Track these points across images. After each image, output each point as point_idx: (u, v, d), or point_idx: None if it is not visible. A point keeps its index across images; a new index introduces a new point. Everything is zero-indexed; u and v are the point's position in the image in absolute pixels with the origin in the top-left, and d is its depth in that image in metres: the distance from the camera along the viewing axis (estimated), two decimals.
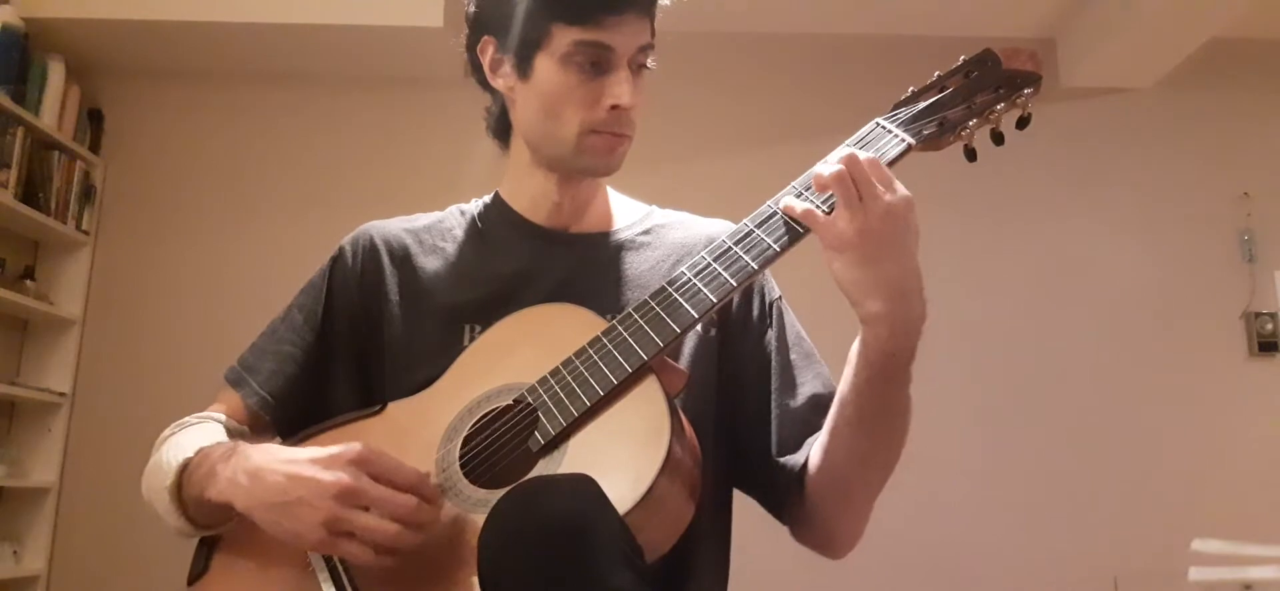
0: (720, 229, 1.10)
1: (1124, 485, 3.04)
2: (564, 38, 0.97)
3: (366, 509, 0.80)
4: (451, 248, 1.11)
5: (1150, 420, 3.11)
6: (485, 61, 1.06)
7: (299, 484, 0.82)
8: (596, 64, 0.98)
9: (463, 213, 1.15)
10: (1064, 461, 3.07)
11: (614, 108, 0.99)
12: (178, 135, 3.33)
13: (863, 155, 0.85)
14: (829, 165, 0.85)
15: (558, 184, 1.07)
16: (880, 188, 0.83)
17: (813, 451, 0.97)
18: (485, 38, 1.06)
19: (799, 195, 0.89)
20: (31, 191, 2.95)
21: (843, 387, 0.92)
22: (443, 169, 3.07)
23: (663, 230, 1.12)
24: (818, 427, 0.98)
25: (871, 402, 0.90)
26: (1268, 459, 3.06)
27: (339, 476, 0.81)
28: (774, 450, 1.01)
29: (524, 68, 1.02)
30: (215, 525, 0.94)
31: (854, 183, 0.83)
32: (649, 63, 1.03)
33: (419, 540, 0.81)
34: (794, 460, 0.99)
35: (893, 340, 0.85)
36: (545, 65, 1.00)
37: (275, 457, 0.87)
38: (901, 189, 0.84)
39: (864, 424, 0.91)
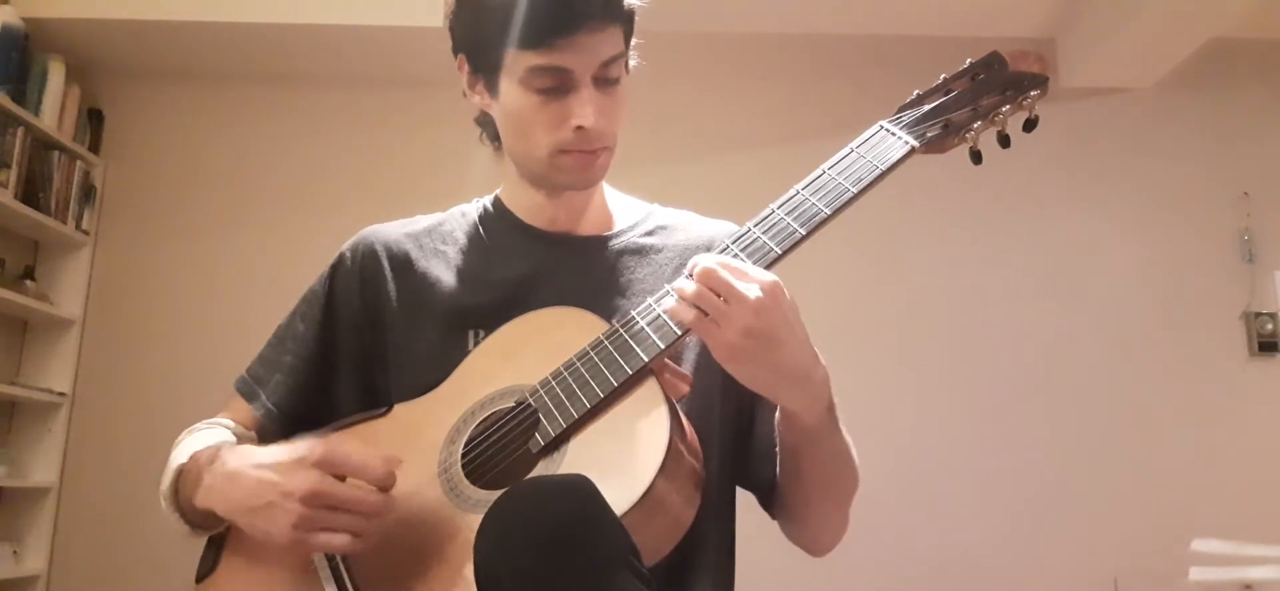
0: (723, 230, 1.10)
1: (1124, 485, 3.04)
2: (520, 63, 0.96)
3: (334, 507, 0.83)
4: (453, 251, 1.10)
5: (1150, 420, 3.11)
6: (463, 79, 1.06)
7: (268, 488, 0.84)
8: (557, 85, 0.96)
9: (464, 215, 1.15)
10: (1064, 461, 3.07)
11: (579, 129, 0.97)
12: (178, 135, 3.32)
13: (715, 261, 0.84)
14: (688, 282, 0.84)
15: (546, 196, 1.08)
16: (741, 286, 0.81)
17: (779, 469, 1.01)
18: (459, 56, 1.05)
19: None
20: (31, 191, 2.95)
21: (780, 446, 0.98)
22: (444, 169, 3.06)
23: (666, 232, 1.11)
24: None
25: (808, 459, 0.95)
26: (1268, 459, 3.06)
27: (304, 479, 0.82)
28: (756, 451, 1.04)
29: (492, 89, 1.02)
30: (212, 527, 0.96)
31: (716, 293, 0.82)
32: (622, 72, 1.00)
33: (389, 523, 0.84)
34: (773, 466, 1.02)
35: (808, 414, 0.89)
36: (509, 88, 0.99)
37: (248, 461, 0.89)
38: (763, 275, 0.83)
39: (806, 473, 0.96)
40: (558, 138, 0.98)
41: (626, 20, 1.00)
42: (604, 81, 0.98)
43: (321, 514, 0.82)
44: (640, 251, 1.09)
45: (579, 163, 1.00)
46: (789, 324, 0.83)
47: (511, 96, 0.99)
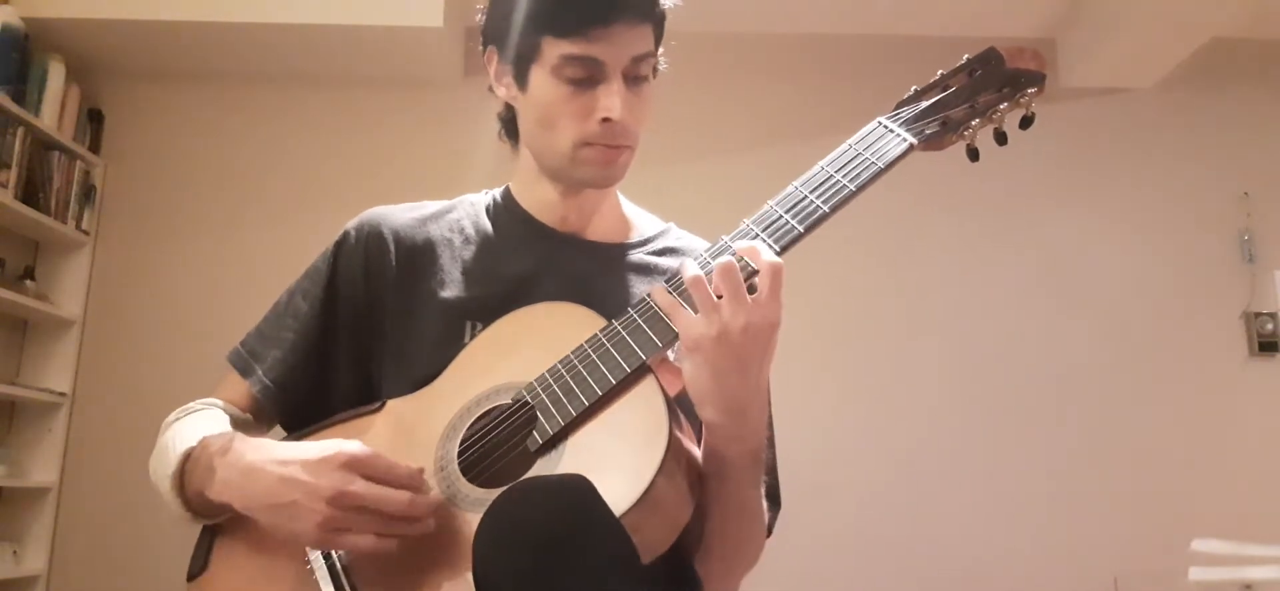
0: None
1: (1124, 485, 3.04)
2: (553, 51, 0.96)
3: (361, 508, 0.82)
4: (459, 241, 1.09)
5: (1150, 420, 3.11)
6: (490, 71, 1.06)
7: (293, 487, 0.83)
8: (588, 77, 0.96)
9: (472, 204, 1.14)
10: (1063, 461, 3.07)
11: (605, 121, 0.97)
12: (178, 135, 3.33)
13: (769, 258, 0.82)
14: (692, 264, 0.83)
15: (562, 193, 1.07)
16: (749, 302, 0.80)
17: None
18: (490, 48, 1.05)
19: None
20: (31, 191, 2.95)
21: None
22: (443, 169, 3.07)
23: (677, 256, 1.09)
24: None
25: (715, 496, 0.89)
26: (1268, 459, 3.07)
27: (332, 480, 0.82)
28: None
29: (521, 80, 1.02)
30: (216, 516, 0.94)
31: (719, 292, 0.80)
32: (653, 71, 1.01)
33: (416, 532, 0.83)
34: None
35: (726, 446, 0.86)
36: (538, 78, 0.99)
37: (269, 457, 0.87)
38: (772, 308, 0.81)
39: (708, 511, 0.91)
40: (583, 129, 0.98)
41: (659, 21, 1.00)
42: (633, 79, 0.99)
43: (348, 515, 0.81)
44: (648, 269, 1.07)
45: (601, 157, 1.00)
46: (759, 364, 0.81)
47: (541, 86, 0.99)
